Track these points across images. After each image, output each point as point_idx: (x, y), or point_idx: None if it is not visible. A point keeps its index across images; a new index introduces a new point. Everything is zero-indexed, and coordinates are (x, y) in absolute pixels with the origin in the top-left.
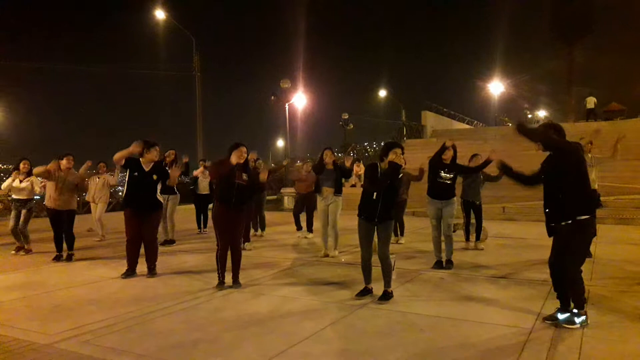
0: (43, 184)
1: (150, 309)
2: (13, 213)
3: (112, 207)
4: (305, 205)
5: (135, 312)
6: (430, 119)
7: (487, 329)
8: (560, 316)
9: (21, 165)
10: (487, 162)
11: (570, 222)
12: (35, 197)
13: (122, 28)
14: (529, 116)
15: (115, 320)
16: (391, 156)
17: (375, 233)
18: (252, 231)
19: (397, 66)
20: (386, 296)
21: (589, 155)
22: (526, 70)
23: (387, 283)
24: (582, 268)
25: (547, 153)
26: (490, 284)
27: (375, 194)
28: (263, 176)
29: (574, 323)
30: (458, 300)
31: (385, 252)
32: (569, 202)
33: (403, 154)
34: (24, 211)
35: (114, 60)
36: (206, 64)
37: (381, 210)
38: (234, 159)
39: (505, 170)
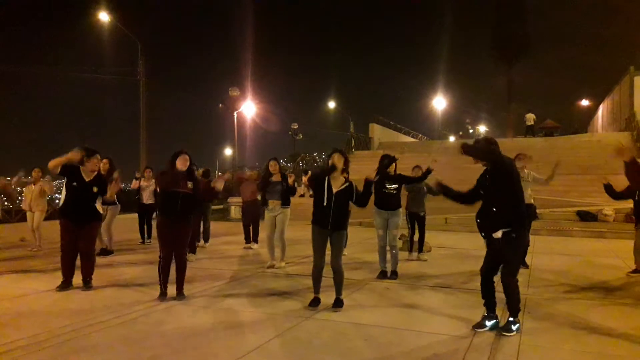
0: None
1: (85, 323)
2: None
3: (48, 216)
4: (250, 214)
5: (70, 327)
6: (378, 132)
7: (431, 338)
8: (488, 323)
9: None
10: (428, 172)
11: (502, 233)
12: None
13: (64, 30)
14: (471, 131)
15: (48, 336)
16: (332, 160)
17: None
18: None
19: (346, 80)
20: (339, 303)
21: (526, 171)
22: (468, 87)
23: (339, 291)
24: (519, 278)
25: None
26: (433, 294)
27: (325, 201)
28: (219, 185)
29: (511, 331)
30: (402, 310)
31: (339, 262)
32: (502, 214)
33: (345, 159)
34: None
35: (54, 62)
36: (153, 69)
37: (333, 219)
38: (178, 164)
39: (444, 190)
